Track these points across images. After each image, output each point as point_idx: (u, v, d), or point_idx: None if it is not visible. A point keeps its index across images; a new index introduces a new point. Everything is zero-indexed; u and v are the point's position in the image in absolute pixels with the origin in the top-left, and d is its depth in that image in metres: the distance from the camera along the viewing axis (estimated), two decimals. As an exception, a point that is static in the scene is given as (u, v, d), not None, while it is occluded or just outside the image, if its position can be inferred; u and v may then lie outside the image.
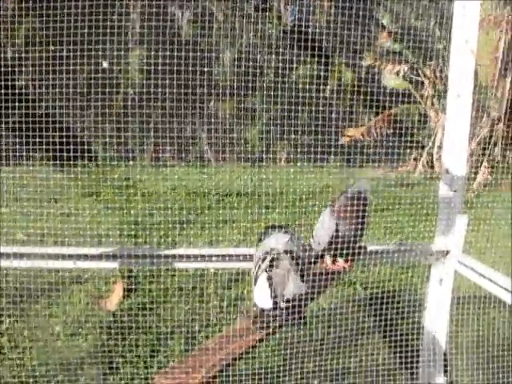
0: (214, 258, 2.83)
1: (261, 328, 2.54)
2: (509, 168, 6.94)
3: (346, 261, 2.78)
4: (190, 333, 3.79)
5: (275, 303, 2.48)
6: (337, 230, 2.71)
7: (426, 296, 3.04)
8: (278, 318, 2.50)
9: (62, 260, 2.77)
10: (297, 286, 2.50)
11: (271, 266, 2.54)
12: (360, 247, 2.77)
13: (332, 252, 2.76)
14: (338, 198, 2.79)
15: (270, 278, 2.52)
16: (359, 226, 2.70)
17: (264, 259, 2.57)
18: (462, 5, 2.72)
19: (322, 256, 2.83)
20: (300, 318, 2.55)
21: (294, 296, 2.49)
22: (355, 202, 2.68)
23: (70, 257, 2.77)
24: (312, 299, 2.67)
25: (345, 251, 2.67)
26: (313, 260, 2.84)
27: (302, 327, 2.70)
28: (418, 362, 3.02)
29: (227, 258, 2.83)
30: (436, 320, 2.98)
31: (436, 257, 2.93)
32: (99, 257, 2.81)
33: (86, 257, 2.79)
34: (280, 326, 2.57)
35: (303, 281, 2.53)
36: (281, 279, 2.52)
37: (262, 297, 2.53)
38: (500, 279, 2.73)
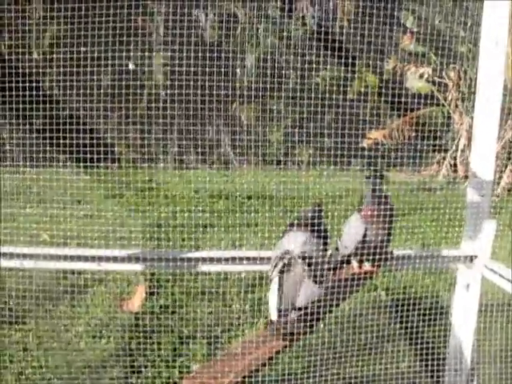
0: (236, 261, 2.81)
1: (275, 336, 2.45)
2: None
3: (373, 266, 2.74)
4: (213, 336, 3.78)
5: (282, 312, 2.40)
6: (365, 235, 2.67)
7: (453, 302, 3.00)
8: (287, 328, 2.41)
9: (85, 262, 2.78)
10: (311, 293, 2.41)
11: (283, 270, 2.44)
12: (387, 252, 2.73)
13: (359, 256, 2.72)
14: (364, 201, 2.76)
15: (280, 285, 2.42)
16: (387, 231, 2.66)
17: (278, 262, 2.47)
18: (492, 6, 2.68)
19: (349, 261, 2.80)
20: (311, 326, 2.44)
21: (306, 304, 2.41)
22: (382, 201, 2.65)
23: (94, 258, 2.78)
24: (337, 305, 2.62)
25: (372, 256, 2.63)
26: (339, 264, 2.80)
27: (312, 335, 2.56)
28: (443, 369, 2.97)
29: (250, 261, 2.81)
30: (463, 326, 2.93)
31: (463, 262, 2.89)
32: (122, 259, 2.81)
33: (108, 259, 2.79)
34: (292, 334, 2.46)
35: (318, 284, 2.43)
36: (293, 286, 2.42)
37: (271, 305, 2.45)
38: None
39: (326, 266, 2.51)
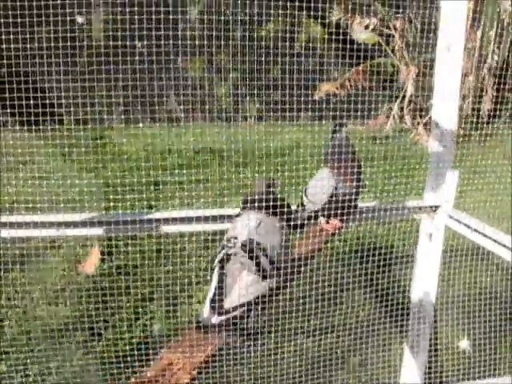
0: (189, 221, 2.70)
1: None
2: (478, 122, 6.97)
3: (341, 220, 2.69)
4: (171, 295, 3.73)
5: (216, 310, 1.99)
6: (336, 188, 2.62)
7: (416, 251, 3.02)
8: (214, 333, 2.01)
9: (34, 228, 2.63)
10: (252, 289, 2.02)
11: (226, 259, 2.07)
12: (355, 206, 2.68)
13: (326, 212, 2.65)
14: (328, 153, 2.68)
15: (220, 277, 2.04)
16: (355, 184, 2.62)
17: (223, 247, 2.11)
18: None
19: (316, 217, 2.73)
20: (243, 334, 2.01)
21: (235, 306, 2.00)
22: (349, 156, 2.60)
23: (44, 224, 2.63)
24: (306, 265, 2.53)
25: (339, 211, 2.56)
26: (306, 221, 2.72)
27: (244, 344, 2.05)
28: (407, 318, 3.00)
29: (205, 221, 2.69)
30: (426, 276, 2.97)
31: (426, 212, 2.90)
32: (74, 224, 2.67)
33: (59, 224, 2.65)
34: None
35: (267, 276, 2.05)
36: (232, 280, 2.03)
37: (206, 300, 2.06)
38: (489, 232, 2.72)
39: (283, 256, 2.15)
